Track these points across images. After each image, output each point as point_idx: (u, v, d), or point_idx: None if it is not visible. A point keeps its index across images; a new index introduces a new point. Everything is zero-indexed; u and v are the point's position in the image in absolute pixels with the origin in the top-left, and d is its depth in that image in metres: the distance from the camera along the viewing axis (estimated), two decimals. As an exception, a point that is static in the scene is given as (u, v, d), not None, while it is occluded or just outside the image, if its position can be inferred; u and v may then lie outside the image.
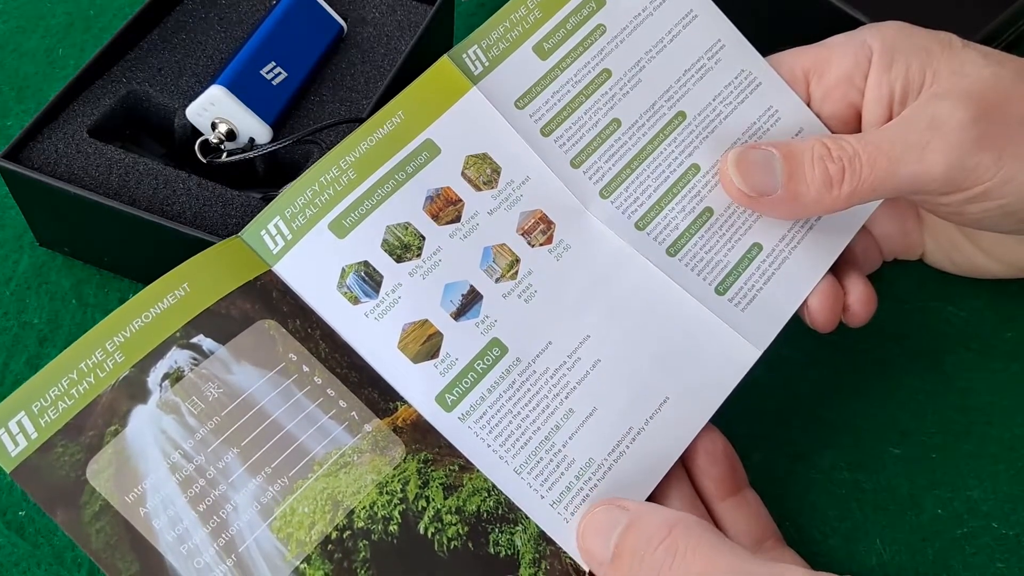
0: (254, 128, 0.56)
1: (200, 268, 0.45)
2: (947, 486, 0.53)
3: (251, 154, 0.56)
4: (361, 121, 0.57)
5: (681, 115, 0.52)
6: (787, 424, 0.55)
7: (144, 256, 0.56)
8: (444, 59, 0.49)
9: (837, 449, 0.54)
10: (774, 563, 0.40)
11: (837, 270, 0.52)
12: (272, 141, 0.57)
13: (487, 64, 0.50)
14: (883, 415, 0.56)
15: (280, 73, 0.58)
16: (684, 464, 0.48)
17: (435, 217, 0.47)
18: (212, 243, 0.50)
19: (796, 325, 0.50)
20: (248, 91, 0.56)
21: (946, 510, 0.52)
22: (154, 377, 0.42)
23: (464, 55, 0.50)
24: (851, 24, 0.54)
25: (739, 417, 0.48)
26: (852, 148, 0.47)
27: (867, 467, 0.54)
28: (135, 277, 0.58)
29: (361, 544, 0.41)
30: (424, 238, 0.47)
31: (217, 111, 0.56)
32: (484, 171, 0.48)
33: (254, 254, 0.46)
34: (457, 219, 0.47)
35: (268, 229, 0.46)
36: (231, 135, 0.56)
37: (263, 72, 0.58)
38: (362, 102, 0.60)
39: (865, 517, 0.52)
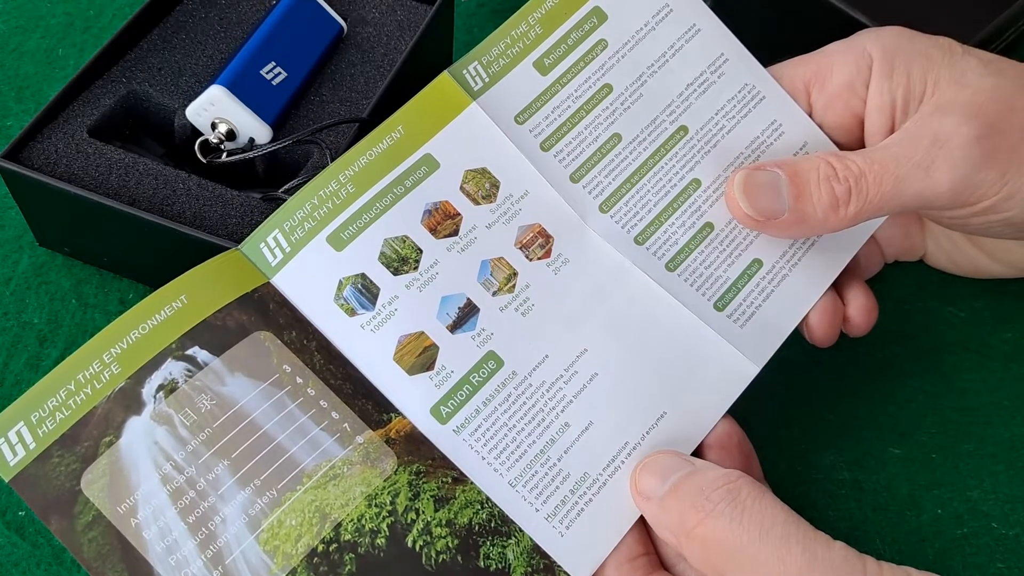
0: (254, 128, 0.56)
1: (199, 280, 0.45)
2: (947, 486, 0.53)
3: (251, 154, 0.55)
4: (361, 121, 0.57)
5: (683, 129, 0.51)
6: (787, 424, 0.55)
7: (144, 256, 0.56)
8: (444, 75, 0.49)
9: (837, 449, 0.54)
10: (822, 533, 0.41)
11: (838, 279, 0.51)
12: (272, 141, 0.56)
13: (487, 80, 0.50)
14: (883, 415, 0.56)
15: (280, 73, 0.58)
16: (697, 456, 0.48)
17: (433, 230, 0.47)
18: (212, 243, 0.51)
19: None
20: (248, 91, 0.56)
21: (946, 510, 0.52)
22: (149, 389, 0.42)
23: (464, 71, 0.49)
24: (853, 26, 0.54)
25: (739, 417, 0.48)
26: (858, 167, 0.47)
27: (867, 467, 0.54)
28: (135, 277, 0.58)
29: (347, 557, 0.41)
30: (421, 251, 0.47)
31: (217, 111, 0.56)
32: (483, 185, 0.48)
33: (253, 266, 0.46)
34: (455, 232, 0.47)
35: (267, 242, 0.46)
36: (231, 135, 0.56)
37: (263, 72, 0.57)
38: (362, 102, 0.60)
39: (865, 517, 0.52)
